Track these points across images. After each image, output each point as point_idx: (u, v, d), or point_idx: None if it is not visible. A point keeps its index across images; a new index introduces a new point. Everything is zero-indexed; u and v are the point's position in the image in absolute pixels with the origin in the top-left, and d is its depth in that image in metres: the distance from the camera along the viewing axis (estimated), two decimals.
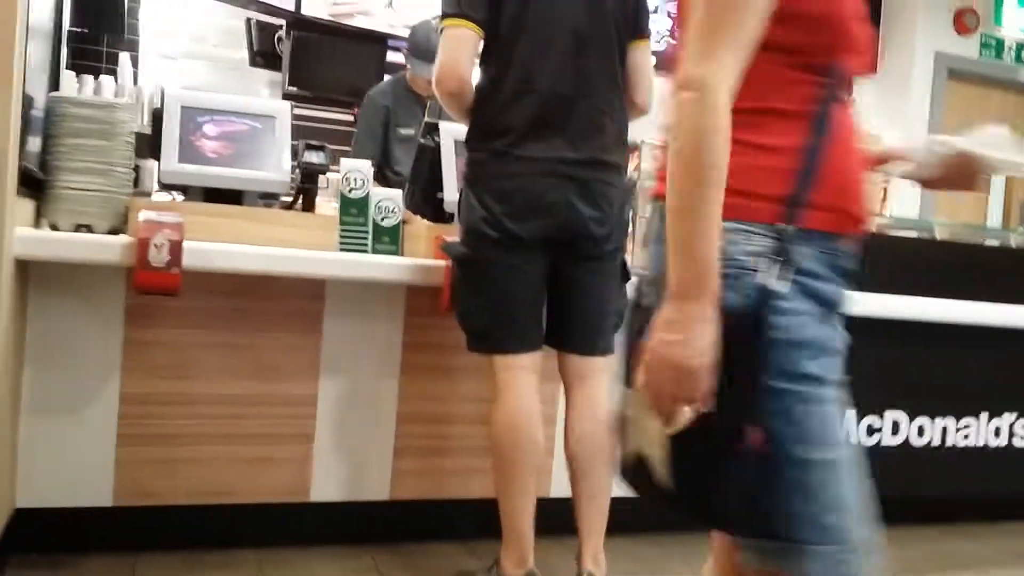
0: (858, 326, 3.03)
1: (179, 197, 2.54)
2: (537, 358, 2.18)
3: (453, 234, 2.41)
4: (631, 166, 2.57)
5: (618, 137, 2.21)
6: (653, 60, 2.31)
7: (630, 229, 2.34)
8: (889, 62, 5.57)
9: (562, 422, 2.28)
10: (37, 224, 2.24)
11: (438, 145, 2.67)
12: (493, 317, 2.15)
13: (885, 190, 5.05)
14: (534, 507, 2.14)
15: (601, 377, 2.22)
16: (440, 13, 2.17)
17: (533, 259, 2.14)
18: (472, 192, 2.16)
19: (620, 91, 2.22)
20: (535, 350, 2.18)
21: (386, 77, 4.91)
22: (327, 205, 3.14)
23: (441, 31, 2.15)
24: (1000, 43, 5.74)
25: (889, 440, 3.15)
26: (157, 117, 2.37)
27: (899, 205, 5.11)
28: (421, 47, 3.57)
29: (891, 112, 5.47)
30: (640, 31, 2.24)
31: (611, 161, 2.18)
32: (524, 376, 2.14)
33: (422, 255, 2.49)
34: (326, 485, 2.47)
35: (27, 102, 2.03)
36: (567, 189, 2.11)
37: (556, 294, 2.21)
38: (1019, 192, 5.92)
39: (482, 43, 2.15)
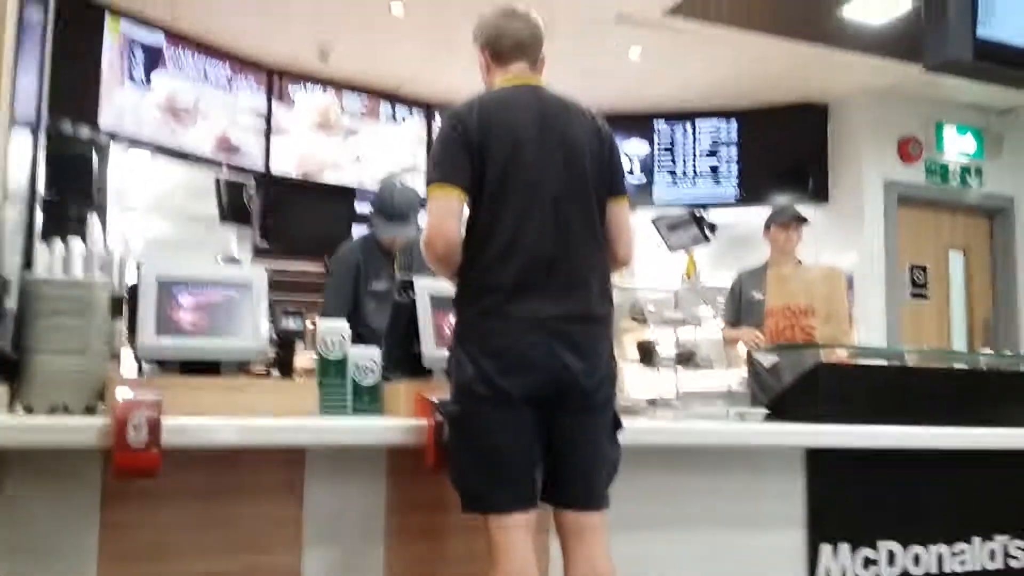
0: (842, 458, 3.05)
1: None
2: (532, 517, 2.16)
3: (432, 390, 2.40)
4: None
5: (602, 290, 2.28)
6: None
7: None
8: (840, 191, 5.78)
9: (555, 574, 2.23)
10: (11, 407, 2.20)
11: (413, 301, 2.70)
12: (488, 476, 2.14)
13: (851, 318, 5.16)
14: None
15: (597, 531, 2.20)
16: (425, 180, 2.27)
17: (525, 415, 2.15)
18: (463, 350, 2.19)
19: (601, 247, 2.30)
20: (531, 508, 2.16)
21: (355, 228, 5.00)
22: (305, 355, 3.13)
23: (428, 197, 2.22)
24: (944, 168, 6.00)
25: (886, 572, 3.11)
26: (133, 290, 2.37)
27: (867, 333, 5.21)
28: (385, 206, 3.68)
29: (845, 240, 5.64)
30: (616, 190, 2.35)
31: (597, 314, 2.24)
32: (521, 536, 2.12)
33: (402, 413, 2.47)
34: None
35: (2, 283, 2.02)
36: (554, 344, 2.15)
37: (550, 449, 2.21)
38: (980, 312, 6.06)
39: (466, 207, 2.23)
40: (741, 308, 4.37)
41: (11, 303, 2.18)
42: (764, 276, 3.82)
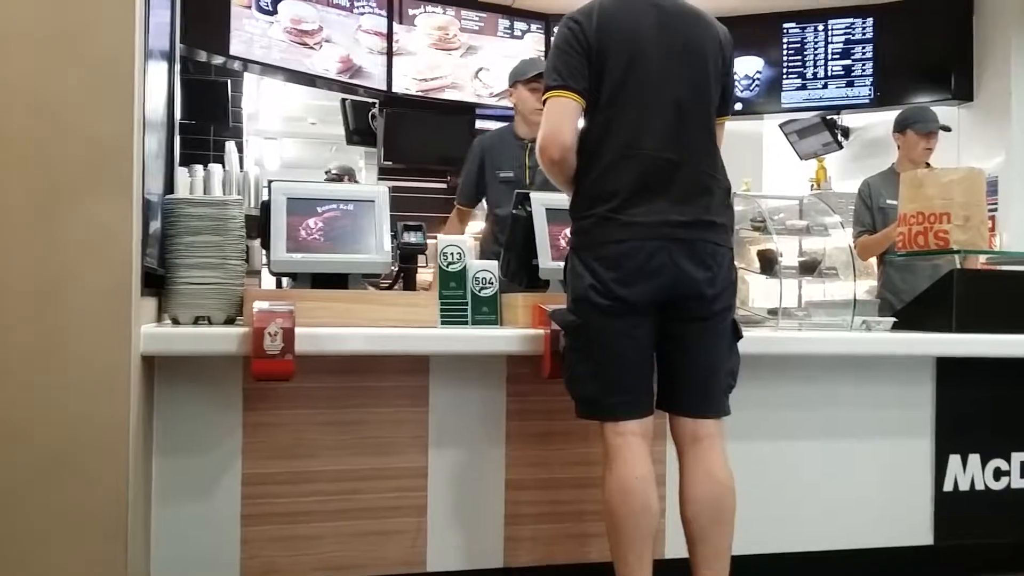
0: (976, 367, 2.94)
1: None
2: (648, 423, 2.19)
3: (549, 301, 2.45)
4: None
5: (724, 198, 2.24)
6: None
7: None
8: (986, 88, 5.41)
9: (673, 481, 2.27)
10: (159, 319, 2.38)
11: (530, 215, 2.73)
12: (603, 383, 2.17)
13: (993, 222, 4.87)
14: (651, 572, 2.13)
15: (714, 439, 2.20)
16: (543, 86, 2.26)
17: (642, 323, 2.16)
18: (579, 259, 2.20)
19: (719, 156, 2.27)
20: (646, 415, 2.18)
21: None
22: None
23: (544, 103, 2.22)
24: None
25: (1019, 483, 3.01)
26: (265, 208, 2.50)
27: (1010, 238, 4.92)
28: (516, 69, 3.78)
29: (992, 142, 5.30)
30: (725, 111, 2.32)
31: (718, 221, 2.20)
32: (636, 442, 2.15)
33: (520, 324, 2.53)
34: (441, 555, 2.51)
35: (146, 204, 2.17)
36: (674, 251, 2.13)
37: (666, 356, 2.22)
38: None
39: (583, 112, 2.21)
40: (875, 216, 4.20)
41: (156, 224, 2.34)
42: (894, 180, 3.64)
